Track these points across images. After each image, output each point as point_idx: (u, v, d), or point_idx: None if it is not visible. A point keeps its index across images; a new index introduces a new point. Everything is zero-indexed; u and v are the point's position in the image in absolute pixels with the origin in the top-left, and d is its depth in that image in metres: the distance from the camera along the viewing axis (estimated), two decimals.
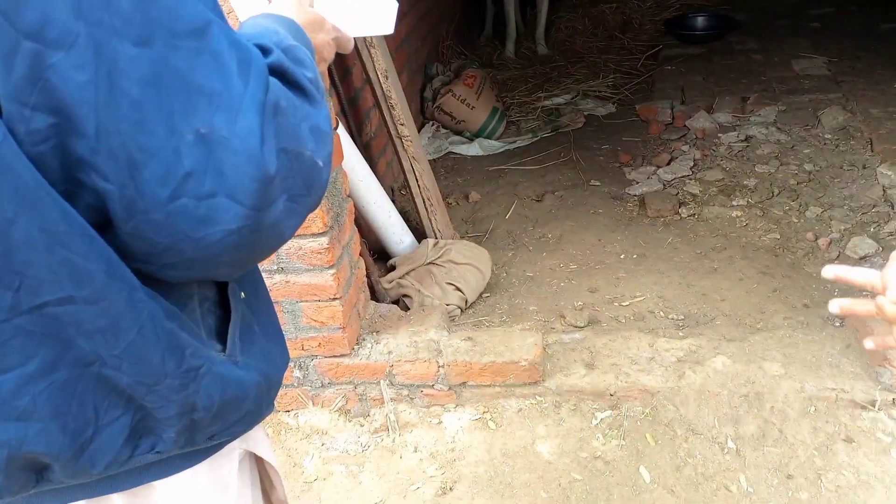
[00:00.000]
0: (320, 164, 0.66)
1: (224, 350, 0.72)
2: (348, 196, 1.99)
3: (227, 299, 0.74)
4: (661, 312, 2.20)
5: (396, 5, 1.00)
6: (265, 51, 0.67)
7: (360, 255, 2.08)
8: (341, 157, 1.98)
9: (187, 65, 0.57)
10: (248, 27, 0.75)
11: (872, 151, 2.79)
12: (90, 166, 0.56)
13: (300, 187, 0.64)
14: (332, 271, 1.79)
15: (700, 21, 4.45)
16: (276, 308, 1.81)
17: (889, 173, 2.58)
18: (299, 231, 1.76)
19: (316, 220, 1.76)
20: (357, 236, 2.06)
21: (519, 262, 2.58)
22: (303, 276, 1.80)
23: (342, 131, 2.16)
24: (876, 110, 3.05)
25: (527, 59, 4.51)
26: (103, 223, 0.59)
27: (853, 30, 4.17)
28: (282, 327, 0.86)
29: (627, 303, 2.26)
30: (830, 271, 0.74)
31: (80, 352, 0.61)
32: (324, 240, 1.77)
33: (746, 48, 4.07)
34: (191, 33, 0.58)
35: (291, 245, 1.78)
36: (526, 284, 2.44)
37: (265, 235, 0.62)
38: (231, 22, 0.67)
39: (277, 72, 0.65)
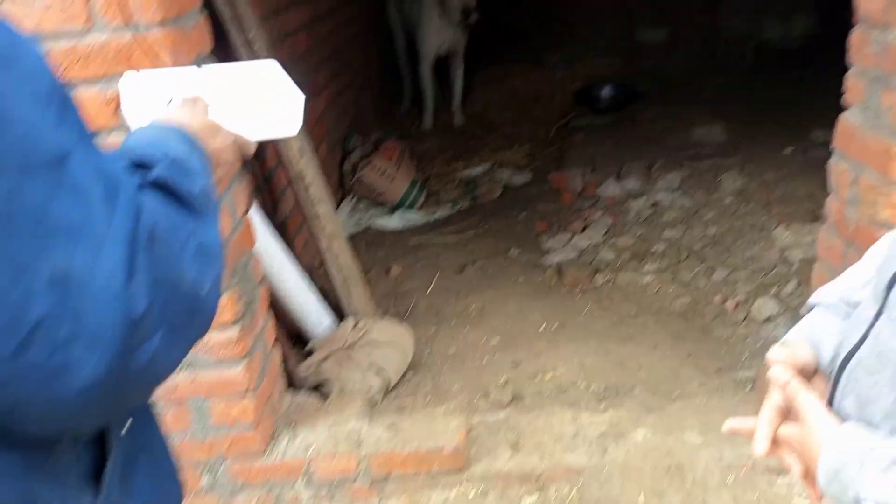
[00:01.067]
0: (205, 288, 0.62)
1: (98, 494, 0.65)
2: (262, 281, 1.93)
3: (104, 437, 0.67)
4: (583, 384, 2.20)
5: (302, 99, 0.96)
6: (148, 165, 0.63)
7: (275, 341, 2.00)
8: (253, 241, 1.92)
9: (42, 199, 0.53)
10: (135, 138, 0.71)
11: (769, 214, 2.96)
12: None
13: (181, 318, 0.59)
14: (243, 363, 1.71)
15: (606, 92, 4.70)
16: (182, 408, 1.72)
17: (785, 234, 2.74)
18: None
19: (225, 309, 1.68)
20: (272, 323, 1.99)
21: (442, 338, 2.55)
22: (211, 371, 1.70)
23: (255, 212, 2.11)
24: (770, 174, 3.26)
25: (445, 130, 4.62)
26: None
27: (746, 97, 4.50)
28: (189, 428, 0.80)
29: (549, 375, 2.26)
30: (727, 425, 0.75)
31: None
32: (234, 330, 1.69)
33: (650, 116, 4.31)
34: (47, 164, 0.54)
35: None
36: (449, 362, 2.41)
37: (135, 381, 0.57)
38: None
39: (161, 186, 0.62)
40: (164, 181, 0.62)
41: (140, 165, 0.63)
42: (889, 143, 1.34)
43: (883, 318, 0.61)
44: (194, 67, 0.90)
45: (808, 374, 0.73)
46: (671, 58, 5.59)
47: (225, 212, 1.64)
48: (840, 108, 1.58)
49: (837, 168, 1.56)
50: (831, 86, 1.81)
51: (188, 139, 0.73)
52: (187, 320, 0.60)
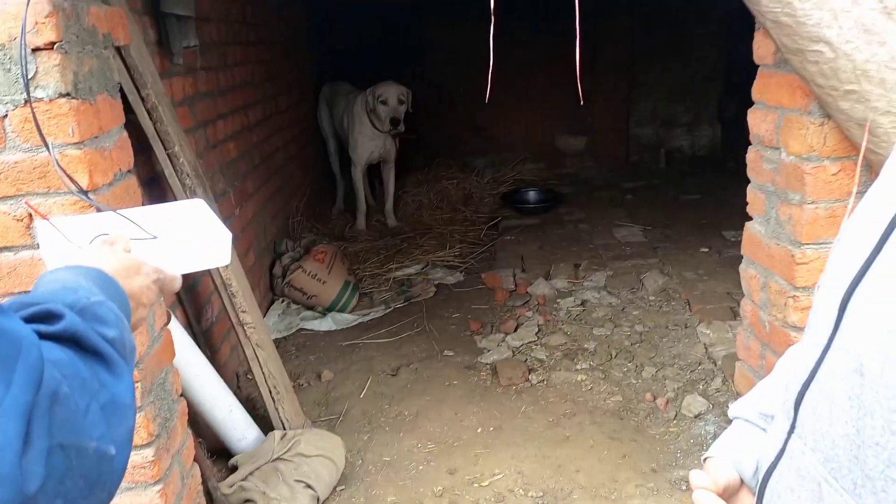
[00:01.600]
0: (113, 447, 0.58)
1: None
2: (180, 396, 1.83)
3: None
4: (521, 490, 2.15)
5: (229, 237, 0.95)
6: (55, 316, 0.60)
7: (194, 459, 1.87)
8: (172, 354, 1.84)
9: None
10: (45, 283, 0.67)
11: (691, 311, 3.08)
12: None
13: (83, 485, 0.55)
14: (158, 487, 1.58)
15: (532, 195, 4.91)
16: None
17: (707, 332, 2.84)
18: None
19: (139, 429, 1.57)
20: (191, 439, 1.87)
21: (375, 446, 2.46)
22: (123, 497, 1.56)
23: (175, 325, 2.03)
24: (688, 273, 3.41)
25: (378, 232, 4.67)
26: None
27: (661, 200, 4.79)
28: None
29: (487, 482, 2.20)
30: None
31: None
32: (148, 452, 1.58)
33: (574, 218, 4.50)
34: None
35: None
36: (383, 471, 2.31)
37: None
38: None
39: (69, 338, 0.58)
40: (73, 333, 0.59)
41: (48, 316, 0.60)
42: (791, 250, 1.43)
43: (794, 435, 0.63)
44: (112, 213, 0.88)
45: (734, 489, 0.73)
46: (590, 164, 5.95)
47: (142, 327, 1.57)
48: (746, 211, 1.69)
49: (747, 273, 1.65)
50: (738, 189, 1.95)
51: (103, 282, 0.70)
52: (91, 485, 0.56)
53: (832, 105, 1.34)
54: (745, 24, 1.46)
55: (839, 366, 0.57)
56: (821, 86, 1.34)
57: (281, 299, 3.58)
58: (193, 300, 2.52)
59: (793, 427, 0.64)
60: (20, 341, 0.54)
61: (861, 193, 1.42)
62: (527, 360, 2.92)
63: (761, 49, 1.55)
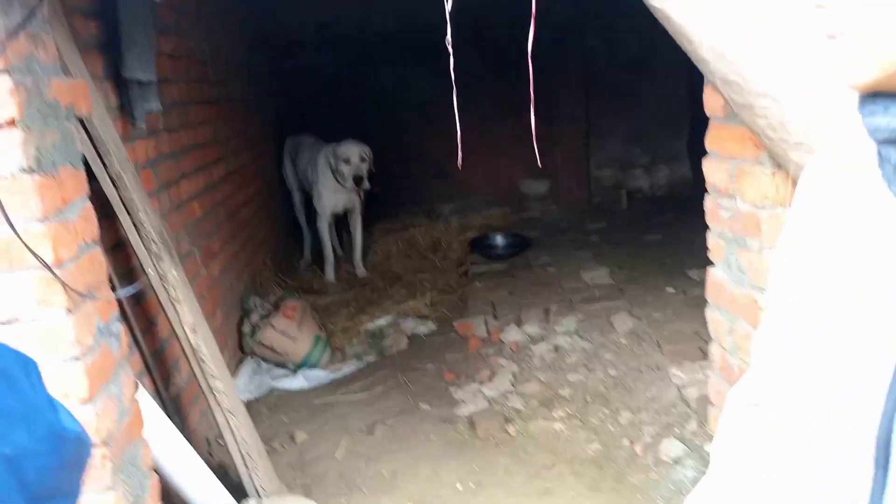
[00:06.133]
0: None
1: None
2: (152, 470, 1.76)
3: None
4: None
5: None
6: None
7: None
8: (142, 426, 1.78)
9: None
10: None
11: (662, 353, 3.10)
12: None
13: None
14: None
15: (499, 240, 4.96)
16: None
17: (679, 373, 2.86)
18: None
19: None
20: None
21: None
22: None
23: (143, 394, 1.97)
24: (657, 314, 3.45)
25: (347, 283, 4.64)
26: None
27: (625, 241, 4.87)
28: None
29: None
30: None
31: None
32: None
33: (542, 262, 4.54)
34: None
35: None
36: None
37: None
38: None
39: None
40: None
41: None
42: (754, 296, 1.47)
43: None
44: None
45: None
46: (554, 206, 6.06)
47: (112, 400, 1.53)
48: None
49: (713, 318, 1.68)
50: (698, 227, 1.99)
51: None
52: None
53: (783, 156, 1.40)
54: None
55: None
56: (771, 138, 1.40)
57: (251, 357, 3.51)
58: (160, 366, 2.45)
59: None
60: None
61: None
62: (503, 410, 2.90)
63: (711, 102, 1.61)
